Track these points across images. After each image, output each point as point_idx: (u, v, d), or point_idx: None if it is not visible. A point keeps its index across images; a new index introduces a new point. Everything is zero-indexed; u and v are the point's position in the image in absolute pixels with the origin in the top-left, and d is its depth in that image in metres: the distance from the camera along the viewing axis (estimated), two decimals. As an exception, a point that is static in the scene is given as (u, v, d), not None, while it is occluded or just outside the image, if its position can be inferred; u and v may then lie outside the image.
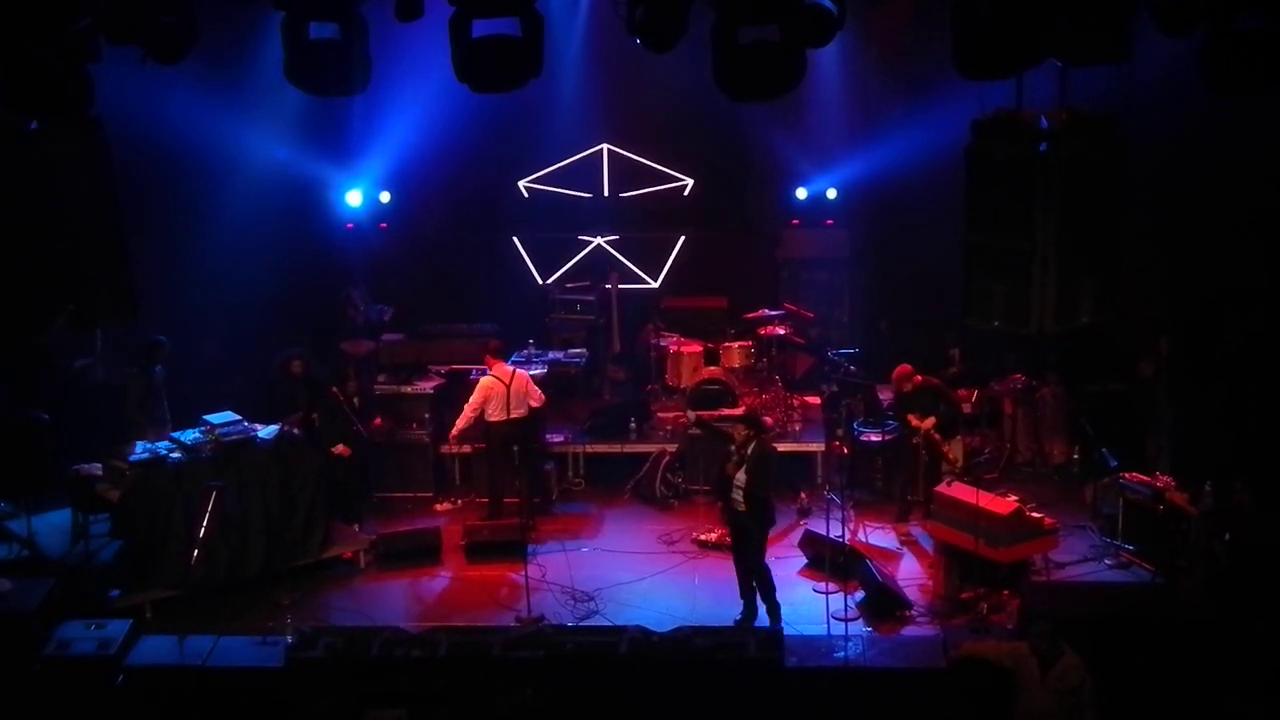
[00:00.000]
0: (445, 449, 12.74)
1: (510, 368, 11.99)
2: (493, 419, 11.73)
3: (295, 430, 11.28)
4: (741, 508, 9.69)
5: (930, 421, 11.53)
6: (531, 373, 12.27)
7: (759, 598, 9.86)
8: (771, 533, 10.11)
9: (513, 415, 11.74)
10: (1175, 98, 9.32)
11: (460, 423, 11.80)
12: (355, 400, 12.03)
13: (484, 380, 11.80)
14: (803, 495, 12.03)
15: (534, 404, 11.92)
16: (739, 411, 10.79)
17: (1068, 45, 7.61)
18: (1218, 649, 8.48)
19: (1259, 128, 10.30)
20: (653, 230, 15.61)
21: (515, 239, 15.62)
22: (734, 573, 10.01)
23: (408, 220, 15.59)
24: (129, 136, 9.49)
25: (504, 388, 11.69)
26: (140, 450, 10.57)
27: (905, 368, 11.74)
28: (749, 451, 9.69)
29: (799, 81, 7.86)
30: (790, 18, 7.61)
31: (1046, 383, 12.74)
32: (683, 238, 15.52)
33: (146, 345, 11.99)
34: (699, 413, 11.73)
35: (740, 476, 9.62)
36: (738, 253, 15.63)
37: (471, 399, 11.71)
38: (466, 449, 12.59)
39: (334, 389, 11.83)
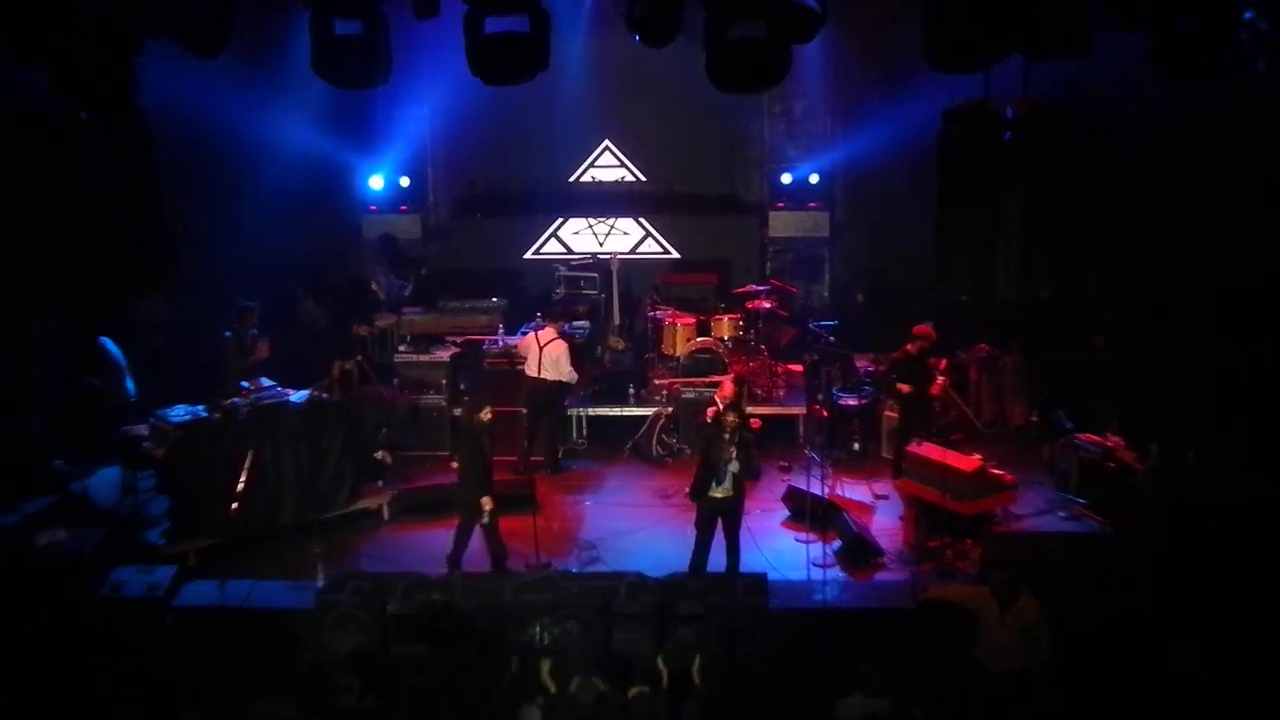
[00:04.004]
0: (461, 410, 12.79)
1: (553, 333, 12.13)
2: (526, 373, 12.07)
3: (324, 395, 11.28)
4: (730, 492, 9.57)
5: (943, 381, 11.61)
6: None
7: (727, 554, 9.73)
8: (757, 490, 10.15)
9: (542, 375, 11.99)
10: (1131, 89, 9.30)
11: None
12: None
13: (528, 337, 12.23)
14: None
15: (563, 376, 12.03)
16: (728, 387, 10.75)
17: (1031, 40, 7.59)
18: (1161, 593, 8.55)
19: (1205, 117, 10.27)
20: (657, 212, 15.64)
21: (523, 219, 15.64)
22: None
23: (425, 203, 15.58)
24: (173, 125, 9.48)
25: (537, 347, 11.96)
26: (182, 413, 10.58)
27: (928, 329, 11.45)
28: (737, 436, 9.55)
29: (784, 74, 7.87)
30: (776, 15, 7.59)
31: (1008, 352, 12.74)
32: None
33: (237, 310, 12.04)
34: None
35: (734, 463, 9.47)
36: (728, 233, 15.61)
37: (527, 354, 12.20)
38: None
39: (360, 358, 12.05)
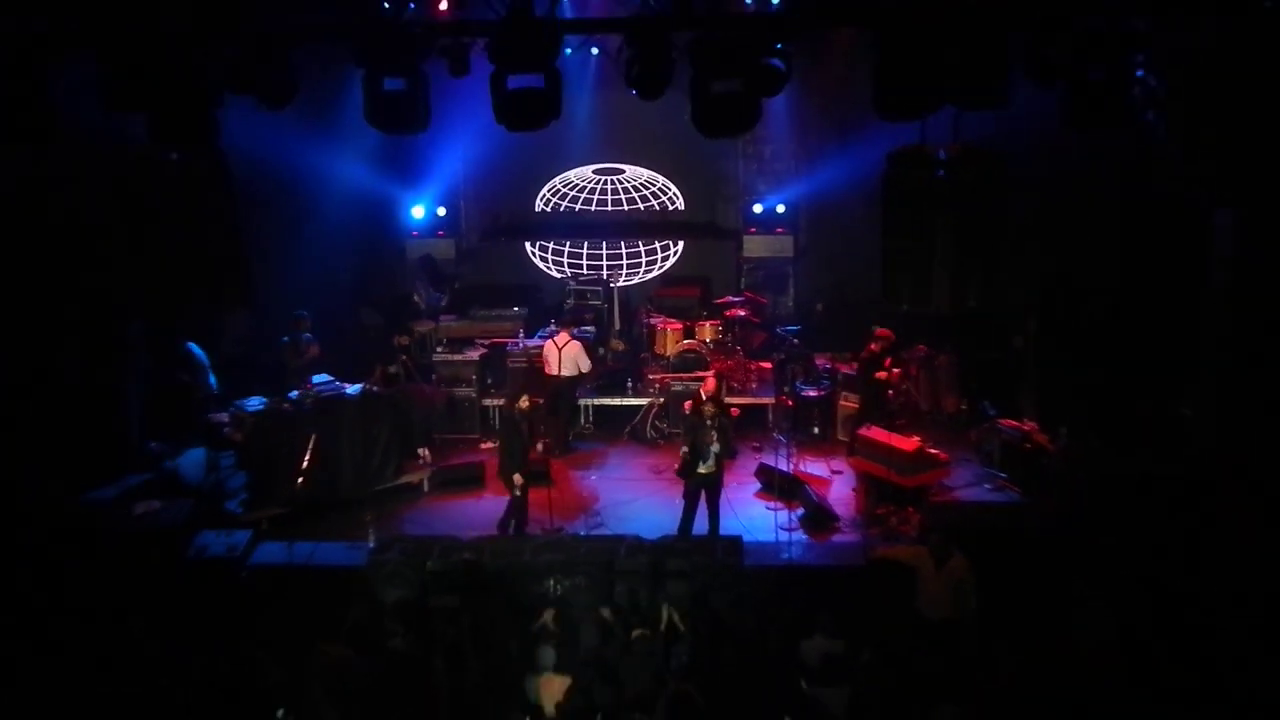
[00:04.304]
0: (489, 401, 12.75)
1: (568, 337, 12.12)
2: (547, 372, 12.05)
3: (374, 388, 11.29)
4: (712, 468, 9.61)
5: (898, 371, 11.76)
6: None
7: (709, 520, 9.78)
8: (734, 466, 10.15)
9: (561, 373, 12.01)
10: (1042, 134, 9.33)
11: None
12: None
13: (547, 342, 12.22)
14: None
15: (582, 369, 12.10)
16: (710, 384, 10.76)
17: (960, 94, 7.61)
18: (1070, 551, 8.57)
19: (1103, 157, 10.32)
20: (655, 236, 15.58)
21: (540, 243, 15.60)
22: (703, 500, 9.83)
23: (458, 229, 15.58)
24: (249, 165, 9.47)
25: (557, 351, 11.98)
26: (257, 403, 10.58)
27: (889, 331, 11.56)
28: (717, 423, 9.60)
29: (756, 123, 7.89)
30: (750, 74, 7.61)
31: (942, 352, 12.73)
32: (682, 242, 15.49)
33: (292, 318, 12.01)
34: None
35: (716, 445, 9.52)
36: (709, 254, 15.60)
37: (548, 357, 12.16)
38: (503, 401, 12.62)
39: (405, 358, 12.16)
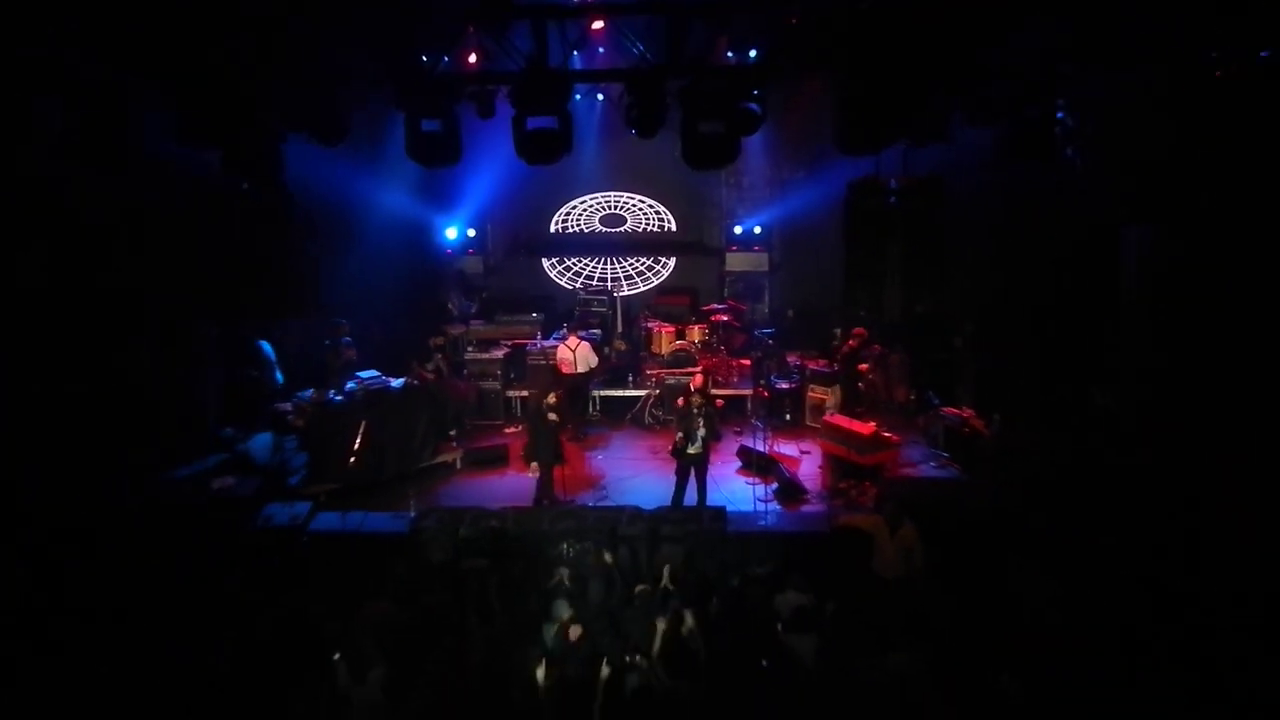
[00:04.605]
0: (511, 393, 12.63)
1: (578, 339, 12.02)
2: (564, 370, 11.95)
3: (415, 381, 11.18)
4: (699, 449, 9.50)
5: (866, 366, 11.79)
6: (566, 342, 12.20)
7: (698, 493, 9.65)
8: (719, 448, 10.06)
9: (578, 370, 11.95)
10: (979, 165, 9.27)
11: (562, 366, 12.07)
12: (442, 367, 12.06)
13: (560, 346, 12.09)
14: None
15: (592, 365, 12.03)
16: (697, 371, 10.66)
17: (909, 133, 7.54)
18: (1003, 520, 8.50)
19: (1031, 184, 10.25)
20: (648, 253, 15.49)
21: (554, 259, 15.50)
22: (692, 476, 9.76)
23: (485, 248, 15.47)
24: (307, 193, 9.34)
25: (570, 352, 11.88)
26: (315, 394, 10.51)
27: (864, 330, 11.57)
28: (703, 412, 9.51)
29: (736, 157, 7.83)
30: (731, 116, 7.55)
31: (895, 351, 12.67)
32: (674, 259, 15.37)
33: (330, 325, 11.88)
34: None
35: (701, 430, 9.42)
36: (697, 268, 15.53)
37: (562, 356, 12.06)
38: (524, 392, 12.51)
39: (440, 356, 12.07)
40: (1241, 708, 6.22)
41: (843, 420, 10.17)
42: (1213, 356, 8.25)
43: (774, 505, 9.77)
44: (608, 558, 7.82)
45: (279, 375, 11.55)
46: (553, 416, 9.66)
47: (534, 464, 9.58)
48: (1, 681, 6.76)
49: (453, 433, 11.30)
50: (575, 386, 11.99)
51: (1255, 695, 6.25)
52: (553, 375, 12.08)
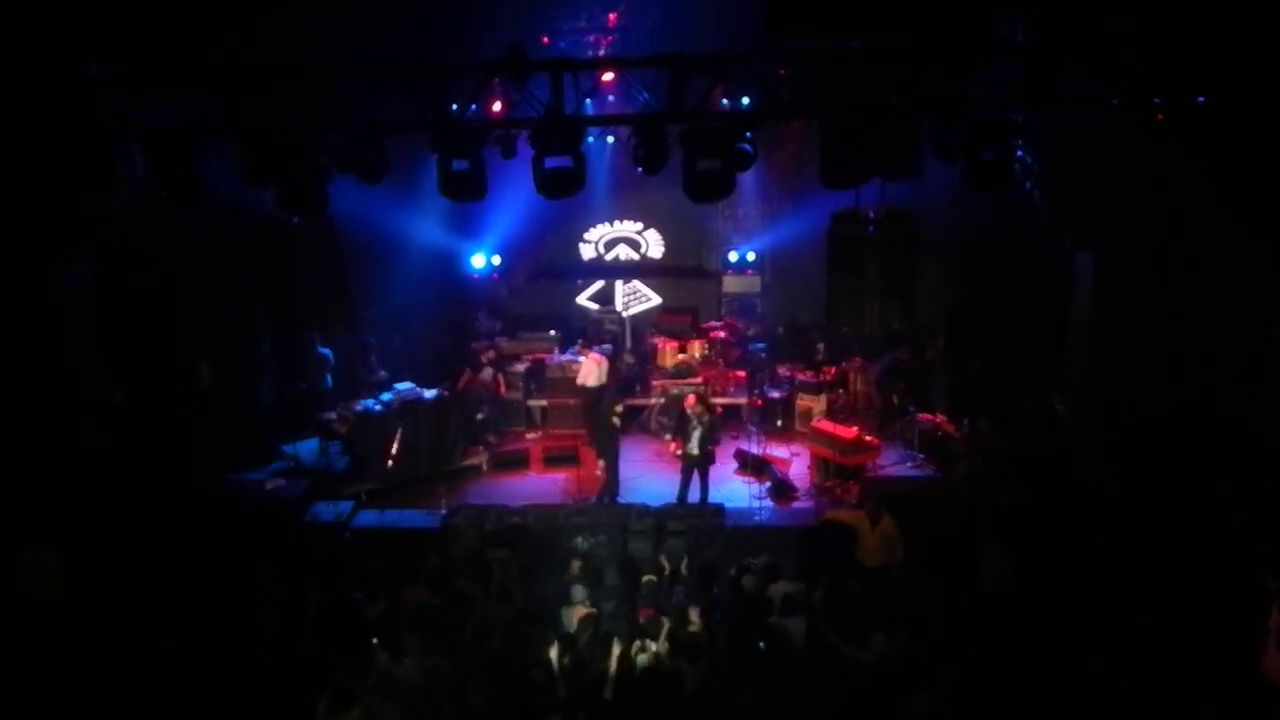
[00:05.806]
0: (532, 401, 12.62)
1: (597, 355, 12.00)
2: (587, 385, 11.87)
3: (447, 393, 11.23)
4: (698, 453, 9.54)
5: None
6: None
7: (700, 492, 9.68)
8: (718, 451, 10.07)
9: (603, 382, 11.92)
10: (948, 197, 9.32)
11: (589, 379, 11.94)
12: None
13: (583, 361, 12.01)
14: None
15: (604, 380, 11.96)
16: (698, 381, 10.67)
17: (884, 169, 7.61)
18: (974, 515, 8.50)
19: (993, 215, 10.30)
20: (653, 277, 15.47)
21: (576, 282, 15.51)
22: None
23: (509, 273, 15.51)
24: (351, 226, 9.47)
25: (594, 366, 11.87)
26: (358, 404, 10.59)
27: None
28: (704, 420, 9.55)
29: (732, 191, 7.90)
30: (726, 156, 7.61)
31: (874, 362, 12.68)
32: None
33: (360, 344, 11.92)
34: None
35: (699, 436, 9.45)
36: (697, 290, 15.52)
37: (581, 372, 11.94)
38: (544, 402, 12.53)
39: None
40: (1196, 684, 6.19)
41: (828, 425, 10.19)
42: (1145, 367, 8.34)
43: (768, 502, 9.77)
44: (630, 548, 7.81)
45: (329, 379, 11.61)
46: (616, 421, 9.79)
47: (601, 461, 9.69)
48: (81, 651, 6.83)
49: (491, 437, 11.34)
50: (599, 397, 11.84)
51: (1209, 675, 6.21)
52: (554, 383, 12.06)
